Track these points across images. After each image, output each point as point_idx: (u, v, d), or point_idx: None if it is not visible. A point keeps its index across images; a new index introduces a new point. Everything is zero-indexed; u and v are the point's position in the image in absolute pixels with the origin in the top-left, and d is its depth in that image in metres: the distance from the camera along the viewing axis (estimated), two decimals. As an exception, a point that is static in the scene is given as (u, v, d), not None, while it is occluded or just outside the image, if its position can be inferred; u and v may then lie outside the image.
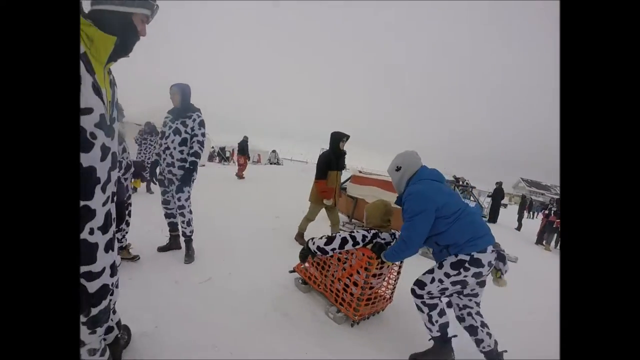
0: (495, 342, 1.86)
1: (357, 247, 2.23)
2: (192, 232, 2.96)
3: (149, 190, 6.04)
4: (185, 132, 2.74)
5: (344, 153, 3.92)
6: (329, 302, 2.39)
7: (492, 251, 1.75)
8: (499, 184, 10.86)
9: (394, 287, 2.52)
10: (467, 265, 1.72)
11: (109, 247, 1.10)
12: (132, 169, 2.50)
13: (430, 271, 1.87)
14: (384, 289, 2.54)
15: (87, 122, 0.92)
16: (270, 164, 22.94)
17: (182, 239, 3.04)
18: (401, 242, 1.90)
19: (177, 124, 2.75)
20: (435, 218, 1.81)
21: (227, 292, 2.42)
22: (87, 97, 0.90)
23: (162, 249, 3.05)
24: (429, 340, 1.92)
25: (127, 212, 2.51)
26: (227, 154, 20.13)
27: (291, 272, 2.77)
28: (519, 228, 10.52)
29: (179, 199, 2.83)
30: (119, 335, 1.46)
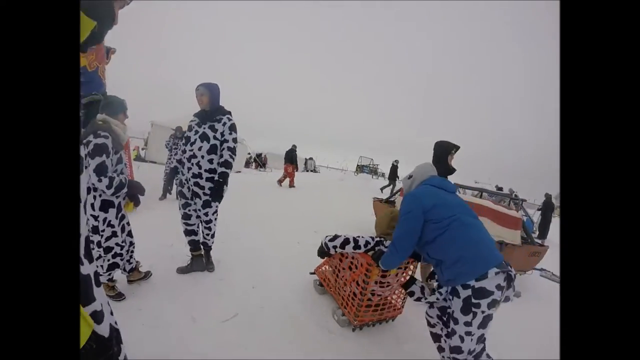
0: None
1: (358, 251, 2.26)
2: (213, 242, 2.81)
3: (164, 196, 5.87)
4: (215, 137, 2.44)
5: (454, 170, 2.70)
6: (337, 305, 2.45)
7: (497, 273, 1.45)
8: (549, 196, 9.85)
9: (405, 297, 2.47)
10: (474, 301, 1.46)
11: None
12: (125, 189, 2.08)
13: (453, 332, 1.57)
14: (395, 297, 2.49)
15: None
16: (307, 171, 23.01)
17: (201, 247, 2.82)
18: (391, 245, 1.85)
19: (204, 128, 2.44)
20: (424, 221, 1.70)
21: (256, 332, 2.04)
22: None
23: (182, 271, 2.70)
24: None
25: (128, 232, 2.27)
26: (264, 160, 20.44)
27: (311, 273, 2.87)
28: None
29: (205, 214, 2.57)
30: None
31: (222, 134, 2.48)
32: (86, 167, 1.91)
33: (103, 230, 2.07)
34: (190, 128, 2.56)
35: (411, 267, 2.31)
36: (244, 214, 5.28)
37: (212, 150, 2.46)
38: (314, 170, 24.23)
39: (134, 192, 2.19)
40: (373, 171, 25.04)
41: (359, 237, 2.30)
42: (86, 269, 0.88)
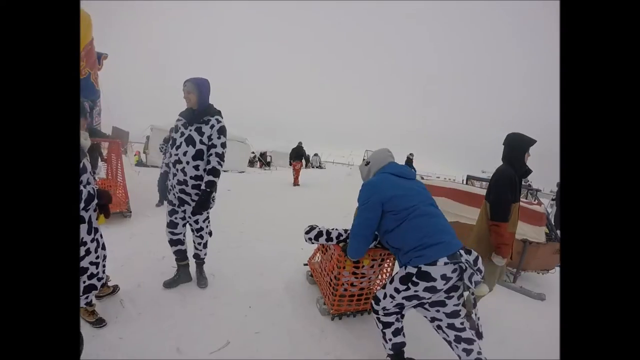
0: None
1: (330, 243, 2.35)
2: (206, 254, 2.56)
3: (161, 202, 5.15)
4: (201, 142, 2.19)
5: (530, 172, 2.24)
6: (321, 295, 2.50)
7: (446, 263, 1.49)
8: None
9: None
10: (414, 279, 1.54)
11: None
12: (95, 201, 1.75)
13: (384, 286, 1.75)
14: (375, 288, 2.51)
15: None
16: (313, 167, 22.71)
17: (192, 260, 2.59)
18: (351, 235, 1.90)
19: (190, 130, 2.21)
20: (384, 212, 1.74)
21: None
22: None
23: (169, 285, 2.48)
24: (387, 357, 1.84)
25: (102, 245, 2.02)
26: (269, 159, 20.15)
27: (305, 265, 2.98)
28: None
29: (196, 222, 2.36)
30: None
31: (210, 138, 2.22)
32: None
33: None
34: (176, 129, 2.32)
35: (387, 261, 2.36)
36: (244, 217, 5.02)
37: (198, 155, 2.21)
38: (320, 166, 23.93)
39: (104, 202, 1.90)
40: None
41: (332, 229, 2.39)
42: None
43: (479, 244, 2.22)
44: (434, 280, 1.50)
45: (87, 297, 1.92)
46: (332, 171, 19.83)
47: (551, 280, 3.88)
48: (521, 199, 4.01)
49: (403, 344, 1.76)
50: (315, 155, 25.19)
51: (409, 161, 12.01)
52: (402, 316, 1.77)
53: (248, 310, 2.29)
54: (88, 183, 1.82)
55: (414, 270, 1.54)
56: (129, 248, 3.16)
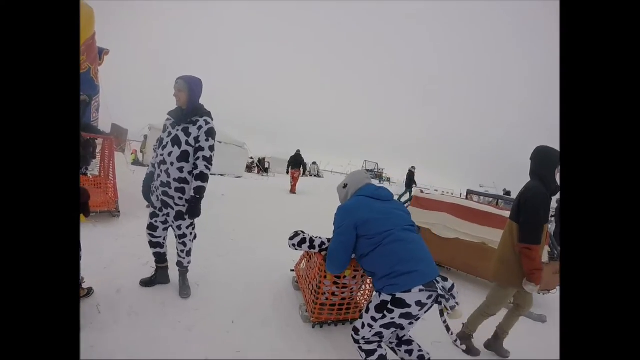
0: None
1: (313, 250, 2.32)
2: (189, 262, 2.43)
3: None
4: (187, 143, 2.08)
5: (559, 189, 2.00)
6: (304, 302, 2.44)
7: (421, 290, 1.48)
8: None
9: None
10: (389, 306, 1.53)
11: None
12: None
13: (361, 315, 1.72)
14: (363, 299, 2.51)
15: None
16: (311, 176, 22.61)
17: (176, 268, 2.45)
18: (327, 257, 1.90)
19: (177, 130, 2.10)
20: (358, 236, 1.73)
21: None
22: None
23: (145, 283, 2.41)
24: None
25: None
26: (267, 165, 20.03)
27: (292, 271, 2.94)
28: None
29: (179, 227, 2.23)
30: None
31: (197, 140, 2.11)
32: None
33: None
34: (164, 128, 2.23)
35: (368, 280, 2.40)
36: (237, 225, 4.85)
37: (183, 157, 2.10)
38: (318, 175, 23.84)
39: (82, 200, 1.77)
40: (378, 176, 24.56)
41: (316, 237, 2.37)
42: None
43: (502, 268, 2.08)
44: (409, 306, 1.50)
45: None
46: (330, 180, 19.70)
47: (550, 301, 3.74)
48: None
49: None
50: (314, 163, 25.15)
51: (411, 174, 11.90)
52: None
53: (230, 326, 2.13)
54: None
55: (388, 298, 1.54)
56: (114, 250, 3.02)
